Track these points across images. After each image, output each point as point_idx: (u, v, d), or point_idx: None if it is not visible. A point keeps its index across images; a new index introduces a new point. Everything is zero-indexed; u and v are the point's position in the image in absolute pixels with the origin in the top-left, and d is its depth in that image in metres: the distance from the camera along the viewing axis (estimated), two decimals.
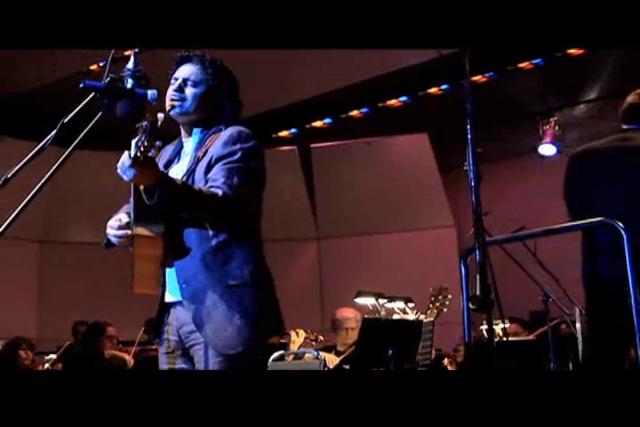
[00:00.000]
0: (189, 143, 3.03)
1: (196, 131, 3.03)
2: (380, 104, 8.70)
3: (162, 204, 2.65)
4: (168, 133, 3.12)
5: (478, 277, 2.68)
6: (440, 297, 5.00)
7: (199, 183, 2.83)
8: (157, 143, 2.53)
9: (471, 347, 3.24)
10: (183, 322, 2.86)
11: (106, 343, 6.69)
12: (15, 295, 8.87)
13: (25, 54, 7.05)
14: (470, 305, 2.71)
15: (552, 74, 7.95)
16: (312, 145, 9.60)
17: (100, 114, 2.63)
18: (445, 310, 4.95)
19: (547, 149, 8.74)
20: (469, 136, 2.84)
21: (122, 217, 2.96)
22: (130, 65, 2.76)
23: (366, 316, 5.80)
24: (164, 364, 2.96)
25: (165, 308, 2.95)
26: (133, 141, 2.55)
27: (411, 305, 5.86)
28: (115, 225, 2.94)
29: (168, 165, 3.04)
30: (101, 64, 7.30)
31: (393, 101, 8.60)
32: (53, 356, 6.89)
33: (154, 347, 6.69)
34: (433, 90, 8.32)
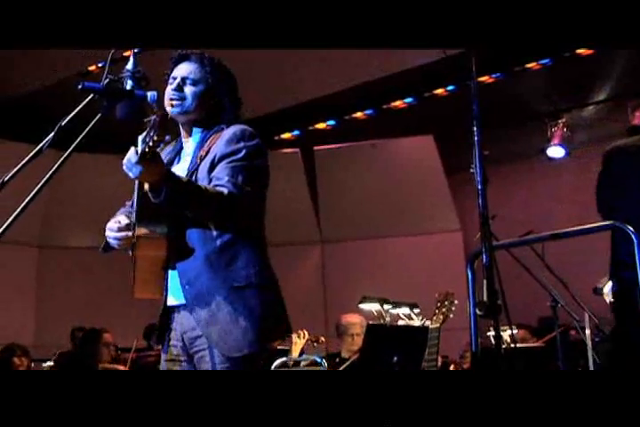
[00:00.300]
0: (190, 143, 3.04)
1: (197, 131, 3.03)
2: (385, 105, 8.69)
3: (168, 201, 2.64)
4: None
5: (485, 282, 2.68)
6: (446, 303, 4.99)
7: (202, 182, 2.83)
8: (167, 137, 2.53)
9: (478, 354, 3.24)
10: (187, 327, 2.86)
11: (103, 351, 6.67)
12: (13, 301, 8.87)
13: (22, 56, 7.06)
14: (477, 311, 2.71)
15: (560, 74, 7.94)
16: (315, 147, 9.60)
17: (98, 116, 2.63)
18: (452, 315, 4.94)
19: (555, 152, 8.73)
20: (476, 138, 2.84)
21: (121, 219, 2.96)
22: (129, 66, 2.76)
23: (371, 322, 5.79)
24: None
25: (168, 312, 2.94)
26: (140, 137, 2.54)
27: (416, 311, 5.85)
28: (114, 227, 2.94)
29: (168, 165, 3.04)
30: (100, 65, 7.31)
31: (398, 103, 8.60)
32: (51, 363, 6.87)
33: (152, 353, 6.70)
34: (439, 91, 8.32)
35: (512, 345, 5.18)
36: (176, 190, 2.65)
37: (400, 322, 5.80)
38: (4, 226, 2.37)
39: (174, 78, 3.03)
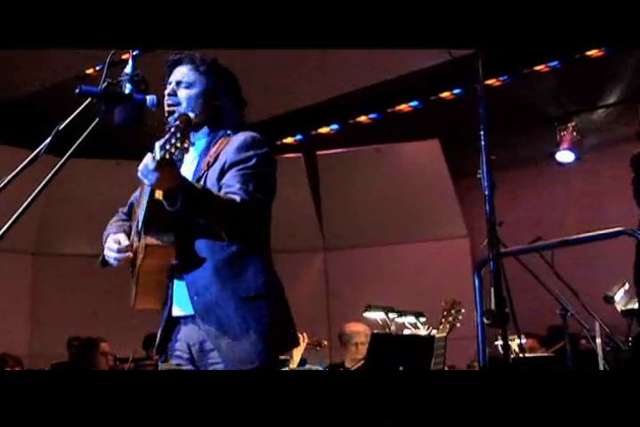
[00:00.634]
0: (193, 148, 3.04)
1: (200, 135, 3.04)
2: (390, 109, 8.69)
3: (184, 210, 2.65)
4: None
5: (493, 290, 2.68)
6: (453, 311, 4.99)
7: (211, 189, 2.84)
8: (190, 143, 2.54)
9: (486, 364, 3.23)
10: (196, 339, 2.86)
11: (100, 360, 6.66)
12: (7, 309, 8.85)
13: (17, 58, 7.08)
14: (485, 319, 2.71)
15: (569, 77, 7.94)
16: (318, 152, 9.60)
17: (96, 120, 2.64)
18: (458, 324, 4.94)
19: (564, 156, 8.72)
20: (483, 142, 2.85)
21: (121, 238, 2.96)
22: (128, 69, 2.78)
23: (376, 331, 5.79)
24: None
25: (172, 323, 2.95)
26: (158, 143, 2.55)
27: (422, 320, 5.86)
28: (114, 248, 2.94)
29: None
30: (98, 68, 7.32)
31: (403, 106, 8.60)
32: None
33: (151, 363, 6.69)
34: (445, 94, 8.32)
35: (521, 355, 5.18)
36: (192, 198, 2.66)
37: (406, 331, 5.80)
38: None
39: (170, 84, 3.05)
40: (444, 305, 5.03)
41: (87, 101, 2.66)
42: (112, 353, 6.91)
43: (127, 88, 2.75)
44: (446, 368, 5.15)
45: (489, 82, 7.68)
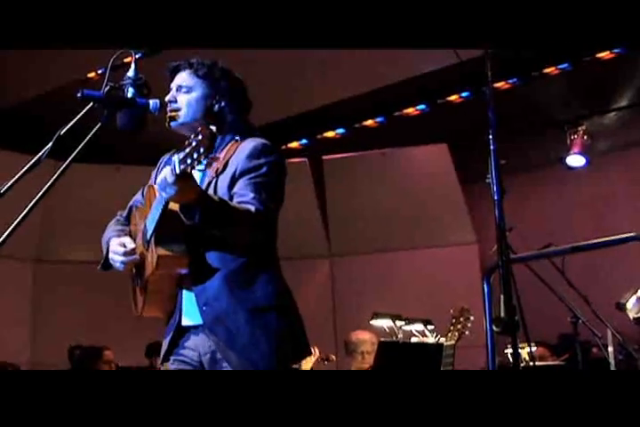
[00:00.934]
0: None
1: None
2: (397, 113, 8.70)
3: (202, 222, 2.66)
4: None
5: (502, 297, 2.68)
6: (461, 319, 4.98)
7: (223, 197, 2.84)
8: (213, 155, 2.54)
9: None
10: (206, 349, 2.87)
11: (103, 368, 6.67)
12: (7, 318, 8.86)
13: (18, 62, 7.10)
14: (494, 327, 2.71)
15: (580, 79, 7.94)
16: (324, 157, 9.59)
17: (98, 125, 2.65)
18: (467, 332, 4.93)
19: (575, 160, 8.71)
20: (492, 147, 2.85)
21: (126, 242, 2.97)
22: (130, 73, 2.79)
23: (383, 339, 5.78)
24: None
25: (181, 331, 2.95)
26: (177, 157, 2.54)
27: (430, 327, 5.85)
28: (120, 251, 2.95)
29: None
30: (100, 72, 7.34)
31: (410, 110, 8.61)
32: None
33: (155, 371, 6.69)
34: (453, 97, 8.33)
35: (531, 363, 5.17)
36: (210, 211, 2.68)
37: (413, 339, 5.79)
38: (0, 240, 2.37)
39: (170, 90, 3.06)
40: (453, 312, 5.02)
41: (89, 106, 2.66)
42: (115, 362, 6.92)
43: (130, 92, 2.75)
44: None
45: (498, 85, 7.69)
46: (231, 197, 2.85)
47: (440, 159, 9.24)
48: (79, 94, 2.65)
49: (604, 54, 7.42)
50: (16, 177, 2.49)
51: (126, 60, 2.85)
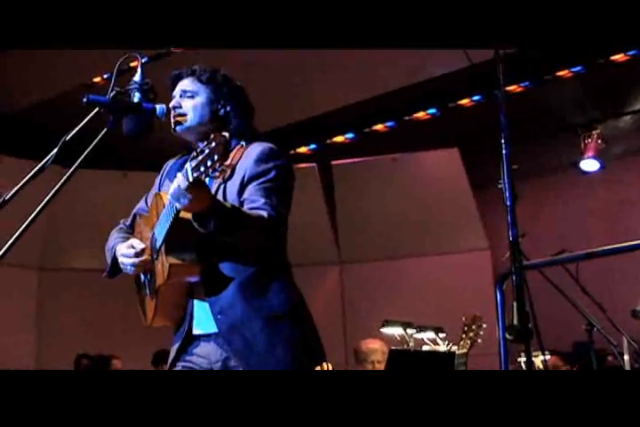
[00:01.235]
0: None
1: None
2: (407, 117, 8.70)
3: (217, 231, 2.67)
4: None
5: (515, 304, 2.67)
6: (474, 326, 4.97)
7: (233, 204, 2.85)
8: (230, 166, 2.55)
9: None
10: (220, 357, 2.88)
11: None
12: (12, 325, 8.88)
13: (23, 66, 7.12)
14: (507, 335, 2.70)
15: (594, 82, 7.92)
16: (333, 162, 9.59)
17: (104, 131, 2.65)
18: (480, 340, 4.92)
19: (589, 165, 8.69)
20: (504, 151, 2.84)
21: (134, 243, 2.98)
22: (137, 77, 2.79)
23: (393, 347, 5.77)
24: None
25: (190, 340, 2.96)
26: (189, 164, 2.54)
27: (442, 335, 5.83)
28: (130, 253, 2.96)
29: None
30: (106, 76, 7.37)
31: (420, 114, 8.61)
32: None
33: None
34: (464, 101, 8.33)
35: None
36: (224, 219, 2.68)
37: (425, 347, 5.78)
38: (4, 248, 2.38)
39: (174, 97, 3.08)
40: (465, 320, 5.01)
41: (95, 111, 2.67)
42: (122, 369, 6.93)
43: (136, 97, 2.76)
44: None
45: (510, 88, 7.68)
46: (241, 204, 2.86)
47: (451, 164, 9.23)
48: (85, 99, 2.66)
49: (618, 56, 7.41)
50: (21, 183, 2.49)
51: (132, 64, 2.86)
